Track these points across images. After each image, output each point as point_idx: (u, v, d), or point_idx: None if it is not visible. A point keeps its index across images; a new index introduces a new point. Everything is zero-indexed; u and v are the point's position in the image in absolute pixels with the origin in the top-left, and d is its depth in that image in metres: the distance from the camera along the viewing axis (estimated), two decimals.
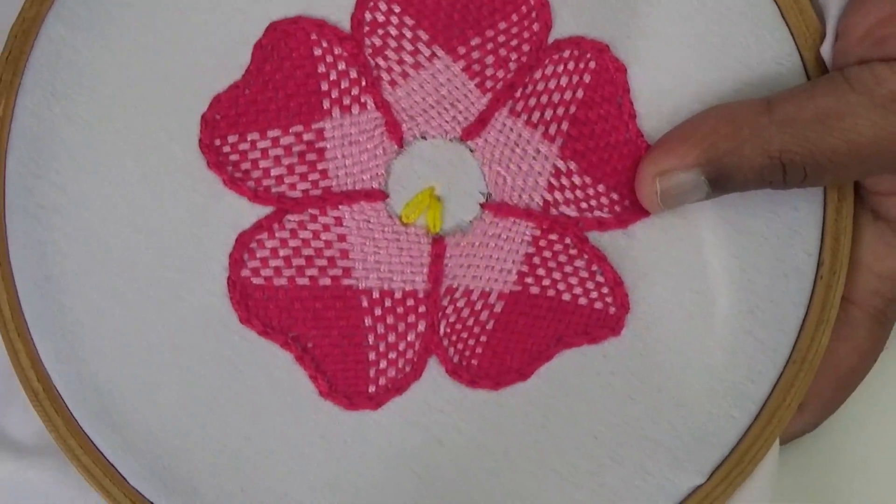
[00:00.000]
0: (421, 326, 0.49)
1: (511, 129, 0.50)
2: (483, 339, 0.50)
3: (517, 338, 0.50)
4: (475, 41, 0.49)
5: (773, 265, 0.50)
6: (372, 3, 0.49)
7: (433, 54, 0.49)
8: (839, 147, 0.45)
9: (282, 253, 0.49)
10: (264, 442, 0.49)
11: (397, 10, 0.49)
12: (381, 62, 0.49)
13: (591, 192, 0.50)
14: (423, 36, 0.49)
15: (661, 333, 0.50)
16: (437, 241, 0.50)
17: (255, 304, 0.49)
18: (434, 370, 0.50)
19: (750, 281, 0.50)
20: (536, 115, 0.50)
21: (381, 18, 0.49)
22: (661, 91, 0.50)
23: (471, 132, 0.50)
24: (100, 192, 0.48)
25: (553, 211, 0.50)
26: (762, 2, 0.50)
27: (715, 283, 0.50)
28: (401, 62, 0.49)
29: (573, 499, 0.49)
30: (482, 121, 0.49)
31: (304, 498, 0.49)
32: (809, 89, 0.46)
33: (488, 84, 0.50)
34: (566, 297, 0.50)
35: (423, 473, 0.49)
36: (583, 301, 0.50)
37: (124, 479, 0.48)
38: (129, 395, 0.48)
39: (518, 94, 0.50)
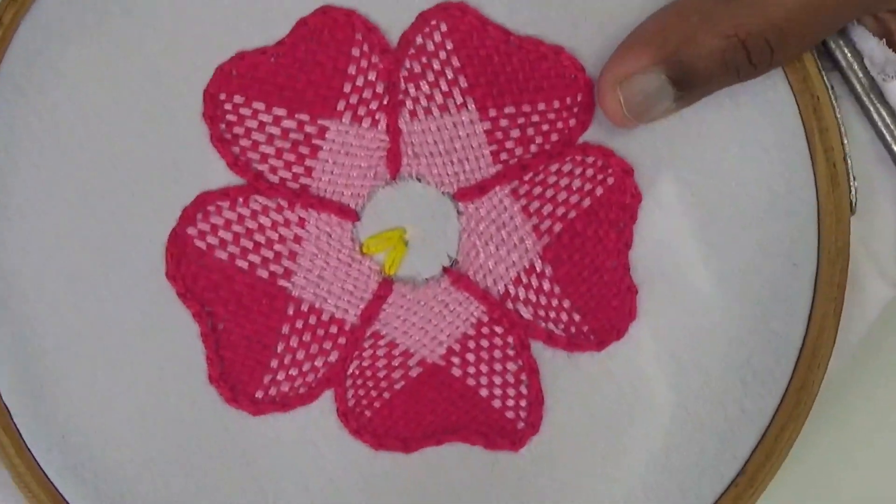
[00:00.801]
0: (333, 357, 0.47)
1: (505, 209, 0.47)
2: (386, 395, 0.47)
3: (418, 409, 0.47)
4: (509, 110, 0.47)
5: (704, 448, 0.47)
6: (428, 29, 0.47)
7: (464, 104, 0.47)
8: (790, 4, 0.43)
9: (235, 228, 0.47)
10: (138, 400, 0.47)
11: (449, 46, 0.47)
12: (412, 90, 0.47)
13: (554, 302, 0.47)
14: (463, 83, 0.47)
15: (558, 469, 0.47)
16: (385, 283, 0.48)
17: (187, 264, 0.47)
18: (326, 404, 0.47)
19: (674, 455, 0.47)
20: (535, 205, 0.47)
21: (430, 47, 0.47)
22: (665, 233, 0.47)
23: (466, 195, 0.47)
24: (87, 101, 0.47)
25: (509, 305, 0.47)
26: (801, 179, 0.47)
27: (634, 445, 0.47)
28: (430, 98, 0.47)
29: None
30: (482, 189, 0.47)
31: (156, 470, 0.47)
32: None
33: (503, 156, 0.47)
34: (483, 392, 0.47)
35: (271, 496, 0.47)
36: (496, 403, 0.47)
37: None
38: (30, 294, 0.47)
39: (527, 178, 0.47)
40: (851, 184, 0.48)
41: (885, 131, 0.48)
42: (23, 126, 0.46)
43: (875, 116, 0.49)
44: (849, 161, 0.48)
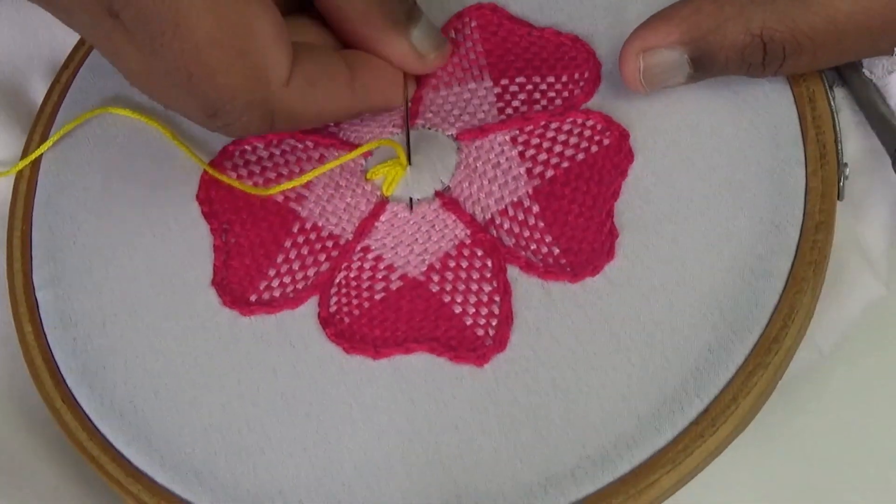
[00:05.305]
0: (324, 266, 0.51)
1: (503, 151, 0.51)
2: (366, 304, 0.50)
3: (393, 318, 0.49)
4: (519, 79, 0.52)
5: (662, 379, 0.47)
6: (461, 25, 0.54)
7: (480, 76, 0.53)
8: (817, 24, 0.45)
9: (264, 163, 0.53)
10: (150, 291, 0.52)
11: (477, 36, 0.54)
12: (439, 70, 0.54)
13: (536, 235, 0.50)
14: (482, 61, 0.53)
15: (519, 388, 0.47)
16: (381, 203, 0.51)
17: (216, 190, 0.53)
18: (309, 310, 0.50)
19: (634, 388, 0.47)
20: (532, 151, 0.51)
21: (460, 38, 0.54)
22: (650, 188, 0.49)
23: (467, 134, 0.52)
24: None
25: (492, 231, 0.50)
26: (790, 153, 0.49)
27: (595, 374, 0.47)
28: (451, 74, 0.53)
29: None
30: (483, 130, 0.52)
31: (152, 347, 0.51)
32: None
33: (508, 111, 0.52)
34: (456, 308, 0.49)
35: (249, 388, 0.49)
36: (468, 320, 0.49)
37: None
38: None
39: (527, 129, 0.51)
40: (842, 169, 0.49)
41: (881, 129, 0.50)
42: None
43: (874, 114, 0.51)
44: (839, 146, 0.49)
